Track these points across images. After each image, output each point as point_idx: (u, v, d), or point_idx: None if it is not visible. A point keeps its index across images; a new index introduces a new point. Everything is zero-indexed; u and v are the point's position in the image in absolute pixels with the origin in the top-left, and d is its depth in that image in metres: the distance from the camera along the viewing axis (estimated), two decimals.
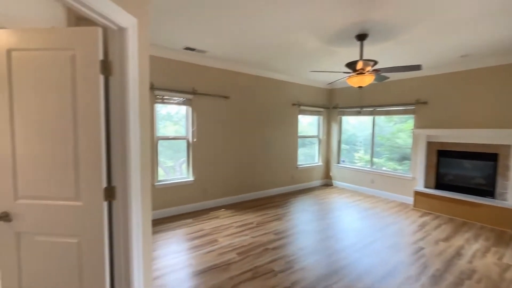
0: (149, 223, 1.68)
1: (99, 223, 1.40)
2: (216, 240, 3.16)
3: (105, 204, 1.40)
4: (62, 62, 1.37)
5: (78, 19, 1.50)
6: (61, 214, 1.42)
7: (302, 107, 5.84)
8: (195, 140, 4.22)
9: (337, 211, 4.41)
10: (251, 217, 3.99)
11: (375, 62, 2.93)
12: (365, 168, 5.75)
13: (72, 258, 1.44)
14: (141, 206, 1.55)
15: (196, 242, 3.11)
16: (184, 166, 4.29)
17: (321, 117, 6.33)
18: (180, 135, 4.22)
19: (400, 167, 5.31)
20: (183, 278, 2.39)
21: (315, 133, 6.40)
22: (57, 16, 1.66)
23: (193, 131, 4.19)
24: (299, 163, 5.96)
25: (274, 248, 2.98)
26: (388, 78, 3.51)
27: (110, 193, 1.42)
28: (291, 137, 5.73)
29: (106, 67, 1.38)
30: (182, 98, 4.05)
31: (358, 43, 3.15)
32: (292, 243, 3.14)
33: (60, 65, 1.37)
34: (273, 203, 4.82)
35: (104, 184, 1.40)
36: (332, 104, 6.36)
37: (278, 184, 5.53)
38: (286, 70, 4.96)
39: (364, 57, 3.59)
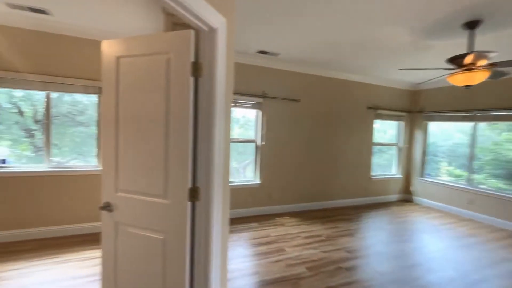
0: (227, 225, 1.65)
1: (183, 223, 1.42)
2: (283, 250, 3.01)
3: (189, 205, 1.41)
4: (159, 65, 1.45)
5: (174, 25, 1.58)
6: (150, 210, 1.49)
7: (379, 111, 5.23)
8: (263, 143, 4.19)
9: (423, 234, 3.72)
10: (319, 229, 3.71)
11: (489, 54, 2.32)
12: (459, 185, 4.75)
13: (157, 252, 1.49)
14: (222, 207, 1.52)
15: (263, 248, 3.03)
16: (249, 168, 4.31)
17: (402, 123, 5.55)
18: (247, 138, 4.26)
19: (507, 186, 4.19)
20: (250, 286, 2.31)
21: (394, 141, 5.65)
22: (159, 28, 1.81)
23: (262, 135, 4.18)
24: (373, 173, 5.34)
25: (348, 269, 2.65)
26: (506, 74, 2.78)
27: (194, 194, 1.43)
28: (365, 144, 5.18)
29: (196, 69, 1.39)
30: (252, 102, 4.08)
31: (466, 32, 2.58)
32: (368, 265, 2.75)
33: (157, 69, 1.45)
34: (343, 215, 4.41)
35: (189, 185, 1.41)
36: (417, 107, 5.51)
37: (349, 195, 5.06)
38: (362, 70, 4.51)
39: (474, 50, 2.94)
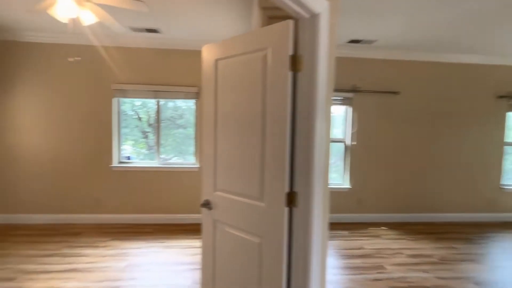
0: (327, 234, 1.47)
1: (279, 229, 1.32)
2: (382, 267, 2.59)
3: (286, 210, 1.31)
4: (255, 64, 1.39)
5: (270, 19, 1.51)
6: (247, 212, 1.46)
7: None
8: (354, 143, 3.78)
9: None
10: (427, 247, 3.06)
11: None
12: None
13: (254, 256, 1.45)
14: (322, 215, 1.35)
15: (357, 262, 2.69)
16: (334, 170, 3.95)
17: None
18: (334, 137, 3.91)
19: None
20: None
21: None
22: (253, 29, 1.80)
23: (352, 134, 3.77)
24: (505, 182, 4.09)
25: None
26: None
27: (291, 199, 1.31)
28: (493, 144, 4.01)
29: (295, 62, 1.27)
30: (340, 97, 3.72)
31: None
32: None
33: (253, 68, 1.40)
34: (459, 234, 3.52)
35: (286, 189, 1.30)
36: None
37: (467, 208, 4.03)
38: (492, 48, 3.47)
39: None
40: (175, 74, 3.57)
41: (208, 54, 1.65)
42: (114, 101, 3.54)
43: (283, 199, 1.31)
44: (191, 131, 3.76)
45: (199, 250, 2.83)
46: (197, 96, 3.60)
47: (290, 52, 1.26)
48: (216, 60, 1.60)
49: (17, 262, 2.53)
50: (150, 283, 2.26)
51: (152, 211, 3.66)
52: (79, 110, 3.49)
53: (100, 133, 3.54)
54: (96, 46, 3.43)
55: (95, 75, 3.48)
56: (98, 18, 1.94)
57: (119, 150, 3.67)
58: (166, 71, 3.56)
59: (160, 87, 3.53)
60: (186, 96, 3.58)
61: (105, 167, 3.57)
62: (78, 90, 3.47)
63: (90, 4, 1.85)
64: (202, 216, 1.74)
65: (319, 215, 1.32)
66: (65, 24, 2.93)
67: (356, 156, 3.81)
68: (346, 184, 3.84)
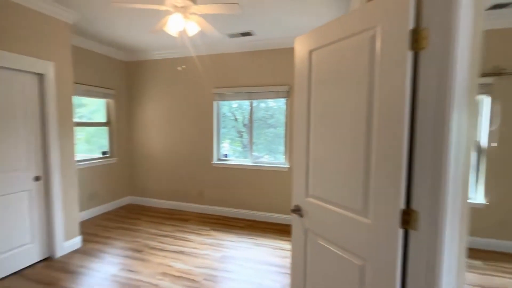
0: (463, 269, 1.07)
1: (390, 255, 1.04)
2: None
3: (399, 233, 1.01)
4: (359, 48, 1.15)
5: None
6: (344, 226, 1.24)
7: None
8: (493, 144, 2.81)
9: None
10: None
11: None
12: None
13: (353, 280, 1.21)
14: (458, 244, 0.98)
15: None
16: None
17: None
18: None
19: None
20: None
21: None
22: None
23: (491, 132, 2.81)
24: None
25: None
26: None
27: (408, 220, 1.01)
28: None
29: (416, 38, 0.96)
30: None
31: None
32: None
33: (356, 53, 1.16)
34: None
35: (401, 205, 1.00)
36: None
37: None
38: None
39: None
40: (267, 74, 3.60)
41: (300, 46, 1.51)
42: (214, 104, 3.91)
43: (396, 218, 1.02)
44: (281, 130, 3.73)
45: (288, 253, 2.74)
46: (287, 95, 3.52)
47: (411, 25, 0.96)
48: (310, 52, 1.44)
49: (144, 238, 3.13)
50: (241, 278, 2.33)
51: (245, 207, 3.85)
52: (187, 113, 4.05)
53: (203, 133, 3.99)
54: (198, 56, 3.88)
55: (199, 82, 3.94)
56: (200, 28, 2.12)
57: (218, 148, 4.03)
58: (258, 72, 3.64)
59: (253, 88, 3.64)
60: (277, 95, 3.56)
61: (207, 163, 4.00)
62: (186, 96, 4.03)
63: (194, 16, 2.03)
64: (292, 222, 1.61)
65: (452, 246, 0.96)
66: (175, 39, 3.41)
67: (497, 161, 2.81)
68: (480, 199, 2.90)
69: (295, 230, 1.60)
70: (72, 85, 2.80)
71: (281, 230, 3.41)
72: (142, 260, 2.62)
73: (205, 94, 3.93)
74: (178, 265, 2.53)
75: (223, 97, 3.84)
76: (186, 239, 3.12)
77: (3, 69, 2.25)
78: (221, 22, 2.87)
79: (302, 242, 1.54)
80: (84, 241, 3.02)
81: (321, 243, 1.39)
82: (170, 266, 2.51)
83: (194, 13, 2.02)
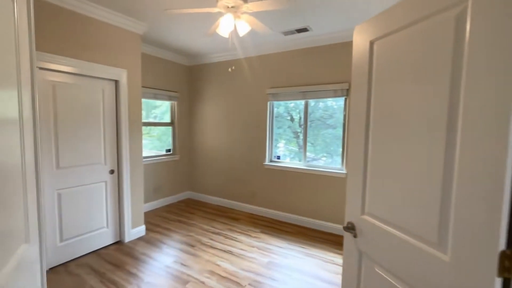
0: None
1: None
2: None
3: (497, 282, 0.73)
4: (437, 34, 0.89)
5: None
6: (412, 258, 0.98)
7: None
8: None
9: None
10: None
11: None
12: None
13: None
14: None
15: None
16: None
17: None
18: None
19: None
20: None
21: None
22: None
23: None
24: None
25: None
26: None
27: (510, 267, 0.72)
28: None
29: None
30: None
31: None
32: None
33: (433, 40, 0.90)
34: None
35: (501, 246, 0.72)
36: None
37: None
38: None
39: None
40: (323, 72, 3.35)
41: (359, 36, 1.29)
42: (268, 104, 3.85)
43: (491, 261, 0.74)
44: (339, 131, 3.42)
45: (340, 269, 2.47)
46: (347, 93, 3.20)
47: None
48: (371, 42, 1.21)
49: (198, 233, 3.28)
50: None
51: (296, 212, 3.68)
52: (242, 114, 4.09)
53: (256, 134, 3.97)
54: (252, 57, 3.86)
55: (253, 83, 3.94)
56: (251, 27, 2.07)
57: (271, 149, 3.96)
58: (313, 70, 3.42)
59: (308, 88, 3.44)
60: (335, 94, 3.26)
61: (259, 164, 3.97)
62: (241, 97, 4.07)
63: (245, 15, 1.98)
64: (345, 240, 1.40)
65: None
66: (230, 42, 3.46)
67: None
68: None
69: (347, 250, 1.38)
70: (140, 89, 3.12)
71: (333, 241, 3.12)
72: (194, 255, 2.74)
73: (259, 95, 3.91)
74: (226, 265, 2.55)
75: (276, 97, 3.74)
76: (235, 239, 3.14)
77: (88, 78, 2.64)
78: (276, 20, 2.77)
79: (355, 266, 1.32)
80: (147, 230, 3.34)
81: (379, 272, 1.15)
82: (218, 265, 2.55)
83: (246, 12, 1.97)
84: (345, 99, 3.27)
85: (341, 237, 3.22)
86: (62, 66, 2.40)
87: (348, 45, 3.15)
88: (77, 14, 2.46)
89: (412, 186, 0.99)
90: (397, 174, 1.06)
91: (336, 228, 3.35)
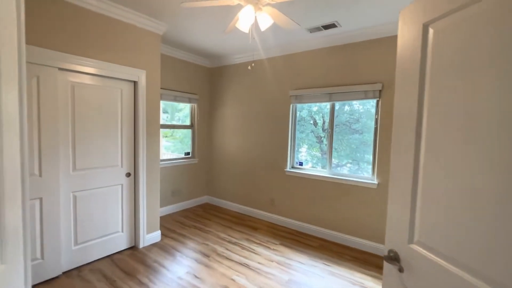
0: None
1: None
2: None
3: None
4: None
5: None
6: None
7: None
8: None
9: None
10: None
11: None
12: None
13: None
14: None
15: None
16: None
17: None
18: None
19: None
20: None
21: None
22: None
23: None
24: None
25: None
26: None
27: None
28: None
29: None
30: None
31: None
32: None
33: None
34: None
35: None
36: None
37: None
38: None
39: None
40: (352, 72, 3.06)
41: (407, 21, 1.04)
42: (291, 107, 3.62)
43: None
44: (367, 137, 3.10)
45: None
46: (379, 94, 2.88)
47: None
48: (425, 26, 0.96)
49: (214, 242, 3.12)
50: None
51: (319, 224, 3.38)
52: (262, 117, 3.90)
53: (278, 138, 3.75)
54: (274, 57, 3.67)
55: (275, 84, 3.73)
56: (274, 20, 1.87)
57: (293, 155, 3.71)
58: (342, 70, 3.14)
59: (335, 89, 3.16)
60: (366, 95, 2.96)
61: (280, 171, 3.74)
62: (262, 99, 3.88)
63: (267, 7, 1.80)
64: (385, 272, 1.14)
65: None
66: (251, 42, 3.29)
67: None
68: None
69: (388, 286, 1.12)
70: (159, 91, 3.04)
71: (362, 260, 2.80)
72: (208, 266, 2.56)
73: (281, 97, 3.69)
74: (242, 281, 2.34)
75: (300, 99, 3.50)
76: (253, 250, 2.93)
77: (107, 78, 2.60)
78: (301, 15, 2.56)
79: None
80: (163, 235, 3.24)
81: None
82: (232, 280, 2.35)
83: (268, 4, 1.78)
84: (377, 101, 2.95)
85: (372, 255, 2.89)
86: (81, 67, 2.37)
87: (382, 41, 2.84)
88: (97, 14, 2.43)
89: (491, 211, 0.72)
90: (464, 193, 0.79)
91: (365, 244, 3.02)
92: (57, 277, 2.31)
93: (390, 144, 2.80)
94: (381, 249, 2.89)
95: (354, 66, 3.05)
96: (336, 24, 2.77)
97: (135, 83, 2.82)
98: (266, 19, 1.79)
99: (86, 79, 2.46)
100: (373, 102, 3.02)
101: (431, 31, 0.94)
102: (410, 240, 1.00)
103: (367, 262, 2.75)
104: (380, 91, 2.87)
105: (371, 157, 3.06)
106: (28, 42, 2.04)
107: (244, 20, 1.74)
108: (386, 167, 2.87)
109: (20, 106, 0.85)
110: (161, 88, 3.69)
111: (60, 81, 2.29)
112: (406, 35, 1.05)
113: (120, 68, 2.63)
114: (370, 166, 3.07)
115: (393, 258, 1.06)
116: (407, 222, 1.01)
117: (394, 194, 1.09)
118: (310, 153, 3.76)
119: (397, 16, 2.52)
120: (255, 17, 1.81)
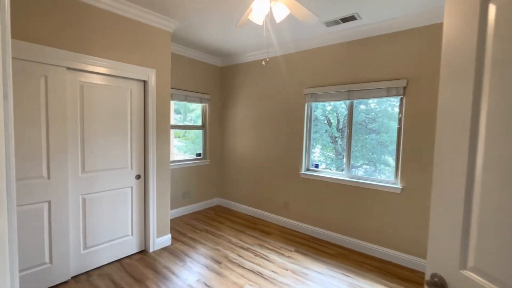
0: None
1: None
2: None
3: None
4: None
5: None
6: None
7: None
8: None
9: None
10: None
11: None
12: None
13: None
14: None
15: None
16: None
17: None
18: None
19: None
20: None
21: None
22: None
23: None
24: None
25: None
26: None
27: None
28: None
29: None
30: None
31: None
32: None
33: None
34: None
35: None
36: None
37: None
38: None
39: None
40: (373, 68, 2.85)
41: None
42: (306, 106, 3.44)
43: None
44: (386, 137, 2.89)
45: None
46: (404, 92, 2.66)
47: None
48: (483, 2, 0.78)
49: (225, 247, 2.99)
50: None
51: (336, 229, 3.19)
52: (276, 117, 3.74)
53: (292, 139, 3.59)
54: (288, 54, 3.50)
55: (289, 82, 3.57)
56: (290, 10, 1.71)
57: (308, 157, 3.53)
58: (361, 65, 2.94)
59: (354, 86, 2.96)
60: (389, 92, 2.75)
61: (295, 173, 3.57)
62: (275, 99, 3.73)
63: None
64: None
65: None
66: (264, 38, 3.14)
67: None
68: None
69: None
70: (169, 90, 2.95)
71: (384, 270, 2.59)
72: (219, 274, 2.44)
73: (296, 96, 3.52)
74: None
75: (316, 97, 3.32)
76: (266, 257, 2.78)
77: (116, 78, 2.52)
78: (317, 7, 2.39)
79: None
80: (174, 238, 3.15)
81: None
82: None
83: None
84: (401, 99, 2.73)
85: (392, 264, 2.67)
86: (90, 66, 2.30)
87: (406, 34, 2.62)
88: (105, 11, 2.36)
89: None
90: None
91: (387, 253, 2.80)
92: (66, 282, 2.25)
93: (416, 146, 2.59)
94: (407, 259, 2.66)
95: (374, 62, 2.84)
96: (356, 16, 2.57)
97: (144, 82, 2.74)
98: (282, 10, 1.64)
99: (95, 79, 2.40)
100: (393, 100, 2.80)
101: (492, 8, 0.76)
102: (462, 266, 0.83)
103: (390, 273, 2.54)
104: (404, 87, 2.65)
105: (390, 159, 2.85)
106: (35, 41, 1.98)
107: (258, 11, 1.60)
108: (412, 171, 2.64)
109: (4, 105, 0.74)
110: (171, 88, 3.61)
111: (69, 81, 2.23)
112: (456, 19, 0.87)
113: (130, 67, 2.56)
114: (391, 168, 2.85)
115: (438, 284, 0.88)
116: (458, 243, 0.83)
117: (439, 208, 0.91)
118: (324, 154, 3.57)
119: (424, 5, 2.30)
120: (270, 7, 1.66)
